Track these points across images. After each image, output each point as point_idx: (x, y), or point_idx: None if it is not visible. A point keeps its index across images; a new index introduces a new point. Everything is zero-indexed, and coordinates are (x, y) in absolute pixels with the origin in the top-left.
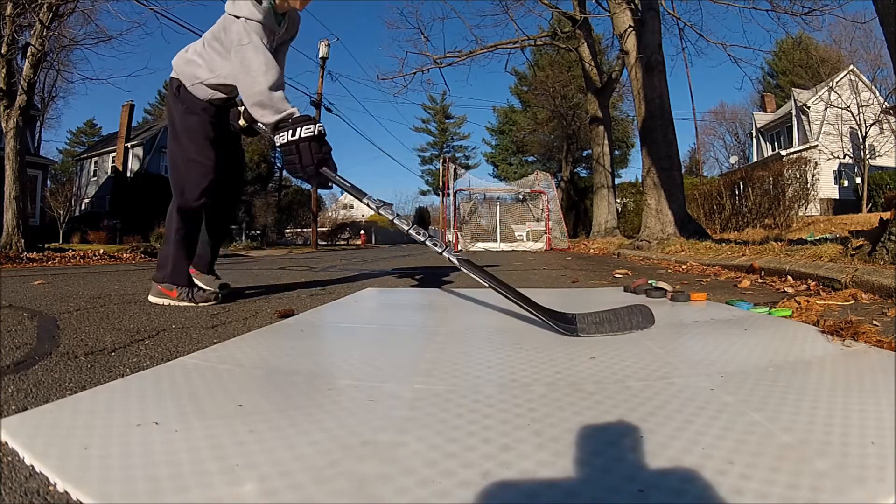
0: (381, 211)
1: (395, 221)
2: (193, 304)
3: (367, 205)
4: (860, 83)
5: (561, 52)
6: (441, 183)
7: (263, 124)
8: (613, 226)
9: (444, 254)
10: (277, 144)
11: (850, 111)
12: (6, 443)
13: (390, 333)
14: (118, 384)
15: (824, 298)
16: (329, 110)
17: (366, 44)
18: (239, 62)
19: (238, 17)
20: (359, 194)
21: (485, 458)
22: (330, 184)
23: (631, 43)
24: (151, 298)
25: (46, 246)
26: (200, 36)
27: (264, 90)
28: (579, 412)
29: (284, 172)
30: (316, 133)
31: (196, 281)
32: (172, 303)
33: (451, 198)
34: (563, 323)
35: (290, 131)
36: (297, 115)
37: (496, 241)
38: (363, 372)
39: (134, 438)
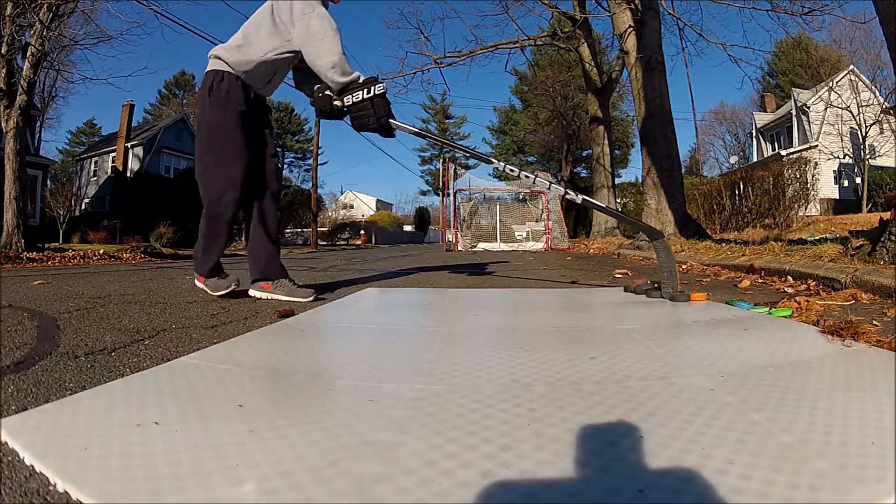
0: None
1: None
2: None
3: (442, 142)
4: (860, 83)
5: (561, 52)
6: (441, 183)
7: (333, 85)
8: (613, 226)
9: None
10: (349, 103)
11: (850, 111)
12: (6, 443)
13: (390, 333)
14: (118, 384)
15: (824, 298)
16: None
17: (366, 44)
18: (305, 29)
19: None
20: (422, 135)
21: (485, 458)
22: (395, 131)
23: (631, 43)
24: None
25: (46, 246)
26: (201, 36)
27: (339, 52)
28: (579, 412)
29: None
30: (385, 90)
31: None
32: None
33: (451, 198)
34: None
35: (365, 90)
36: (361, 77)
37: (496, 241)
38: (363, 372)
39: (134, 438)
